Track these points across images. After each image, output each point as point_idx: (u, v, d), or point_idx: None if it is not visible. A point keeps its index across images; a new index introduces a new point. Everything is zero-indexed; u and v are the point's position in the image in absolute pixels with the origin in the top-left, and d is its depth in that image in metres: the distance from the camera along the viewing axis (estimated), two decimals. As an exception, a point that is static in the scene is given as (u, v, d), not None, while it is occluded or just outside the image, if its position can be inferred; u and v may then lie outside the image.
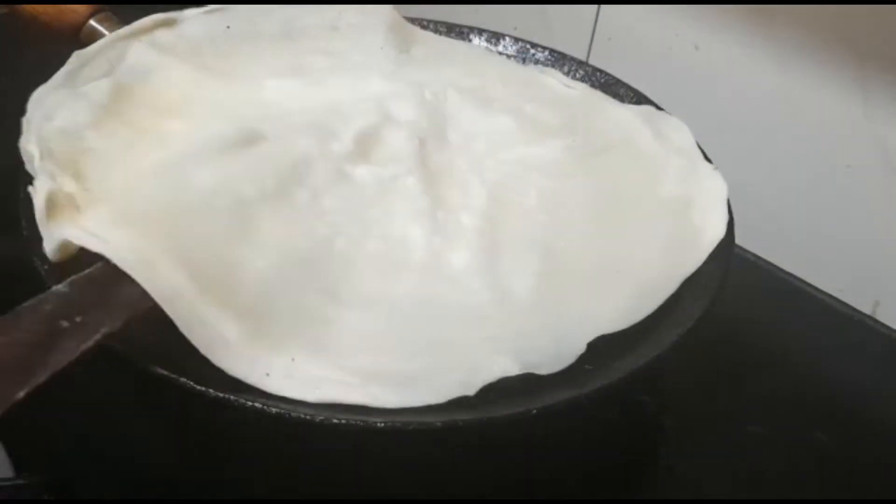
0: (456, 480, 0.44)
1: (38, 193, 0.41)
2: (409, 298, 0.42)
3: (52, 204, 0.40)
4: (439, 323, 0.41)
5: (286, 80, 0.54)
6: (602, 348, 0.40)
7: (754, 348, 0.56)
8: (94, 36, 0.54)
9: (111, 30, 0.54)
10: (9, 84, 0.49)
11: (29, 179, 0.42)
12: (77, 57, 0.51)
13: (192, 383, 0.36)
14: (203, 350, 0.37)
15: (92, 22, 0.55)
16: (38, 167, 0.43)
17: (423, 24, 0.64)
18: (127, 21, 0.55)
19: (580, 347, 0.40)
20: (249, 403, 0.35)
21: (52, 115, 0.46)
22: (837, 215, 0.63)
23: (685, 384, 0.52)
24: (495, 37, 0.64)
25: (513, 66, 0.61)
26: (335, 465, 0.43)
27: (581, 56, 0.71)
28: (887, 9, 0.56)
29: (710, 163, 0.52)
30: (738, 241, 0.48)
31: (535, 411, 0.36)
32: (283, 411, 0.35)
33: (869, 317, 0.60)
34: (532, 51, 0.63)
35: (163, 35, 0.55)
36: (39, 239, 0.40)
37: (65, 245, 0.39)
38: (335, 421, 0.35)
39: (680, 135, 0.54)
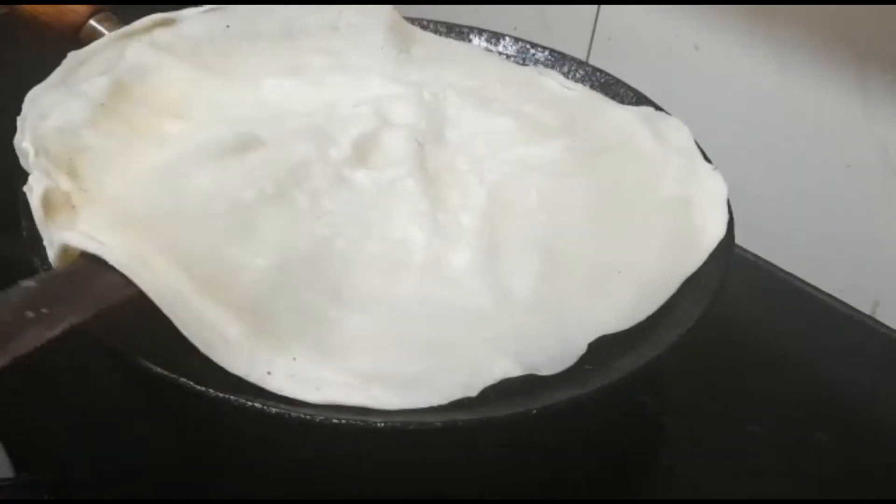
0: (456, 480, 0.44)
1: (34, 192, 0.41)
2: (410, 299, 0.42)
3: (48, 203, 0.40)
4: (440, 324, 0.41)
5: (285, 80, 0.54)
6: (602, 348, 0.40)
7: (754, 348, 0.56)
8: (94, 36, 0.54)
9: (111, 30, 0.54)
10: (9, 83, 0.49)
11: (26, 178, 0.42)
12: (73, 56, 0.51)
13: (191, 383, 0.36)
14: (202, 348, 0.37)
15: (92, 22, 0.55)
16: (33, 163, 0.43)
17: (423, 24, 0.64)
18: (127, 21, 0.55)
19: (581, 348, 0.40)
20: (249, 403, 0.35)
21: (47, 114, 0.46)
22: (837, 215, 0.63)
23: (685, 384, 0.52)
24: (495, 37, 0.64)
25: (512, 66, 0.61)
26: (335, 465, 0.43)
27: (581, 56, 0.71)
28: (887, 9, 0.56)
29: (709, 163, 0.52)
30: (738, 241, 0.48)
31: (535, 411, 0.36)
32: (282, 411, 0.35)
33: (869, 317, 0.60)
34: (532, 51, 0.63)
35: (162, 34, 0.55)
36: (39, 239, 0.40)
37: (65, 250, 0.39)
38: (335, 421, 0.35)
39: (679, 135, 0.54)
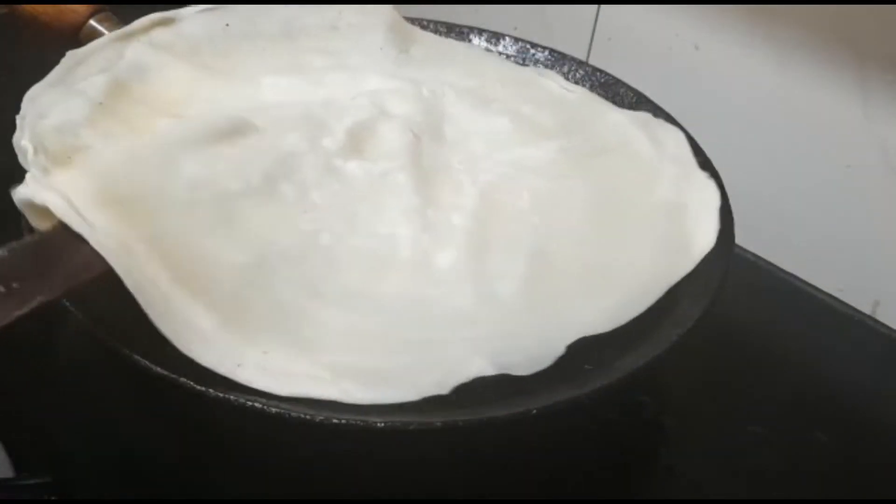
0: (456, 480, 0.44)
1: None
2: (392, 296, 0.42)
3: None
4: (420, 322, 0.41)
5: (283, 78, 0.54)
6: (602, 348, 0.40)
7: (754, 348, 0.56)
8: (94, 36, 0.54)
9: (111, 30, 0.54)
10: (9, 83, 0.49)
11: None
12: (71, 56, 0.51)
13: (192, 383, 0.36)
14: (171, 338, 0.37)
15: (92, 22, 0.55)
16: (32, 161, 0.43)
17: (423, 24, 0.64)
18: (127, 21, 0.55)
19: (559, 350, 0.40)
20: (249, 403, 0.35)
21: (46, 113, 0.46)
22: (837, 215, 0.63)
23: (685, 384, 0.52)
24: (495, 37, 0.64)
25: (512, 67, 0.61)
26: (335, 465, 0.43)
27: (581, 56, 0.70)
28: (887, 9, 0.56)
29: (704, 172, 0.51)
30: (738, 241, 0.48)
31: (535, 411, 0.36)
32: (283, 411, 0.35)
33: (869, 317, 0.60)
34: (532, 51, 0.63)
35: (161, 34, 0.55)
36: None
37: (46, 210, 0.38)
38: (335, 421, 0.35)
39: (676, 143, 0.54)
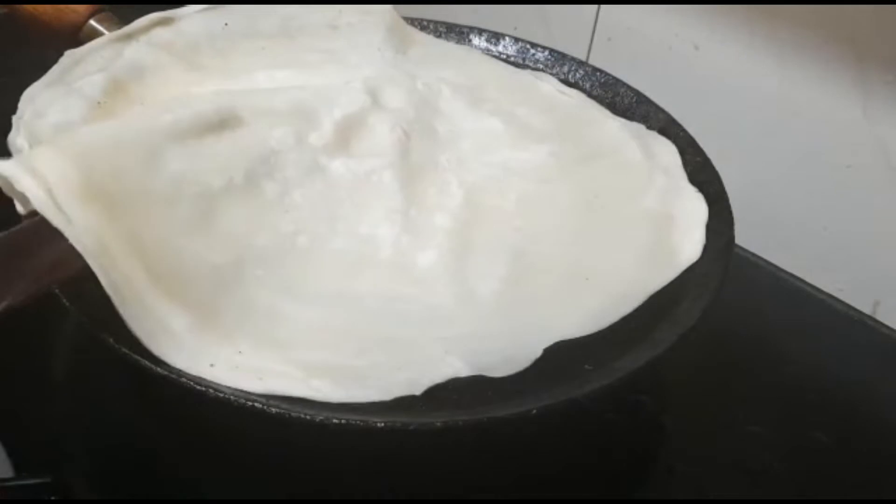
0: (456, 480, 0.44)
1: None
2: (368, 294, 0.42)
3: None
4: (396, 321, 0.41)
5: (279, 71, 0.54)
6: (602, 348, 0.40)
7: (754, 348, 0.56)
8: (94, 36, 0.54)
9: (111, 30, 0.54)
10: (9, 84, 0.49)
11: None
12: (69, 55, 0.51)
13: (192, 383, 0.36)
14: (144, 340, 0.36)
15: (92, 22, 0.55)
16: None
17: (423, 24, 0.64)
18: (127, 21, 0.55)
19: (536, 352, 0.40)
20: (249, 403, 0.35)
21: (44, 112, 0.46)
22: (837, 215, 0.63)
23: (685, 384, 0.52)
24: (495, 37, 0.64)
25: (510, 70, 0.61)
26: (335, 465, 0.43)
27: (581, 56, 0.70)
28: (887, 9, 0.56)
29: (693, 186, 0.51)
30: (738, 241, 0.48)
31: (535, 411, 0.36)
32: (283, 411, 0.35)
33: (869, 317, 0.60)
34: (532, 51, 0.63)
35: (160, 33, 0.55)
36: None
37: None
38: (335, 421, 0.35)
39: (668, 155, 0.54)
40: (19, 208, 0.38)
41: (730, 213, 0.48)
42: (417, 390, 0.37)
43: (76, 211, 0.37)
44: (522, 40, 0.63)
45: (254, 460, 0.43)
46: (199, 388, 0.36)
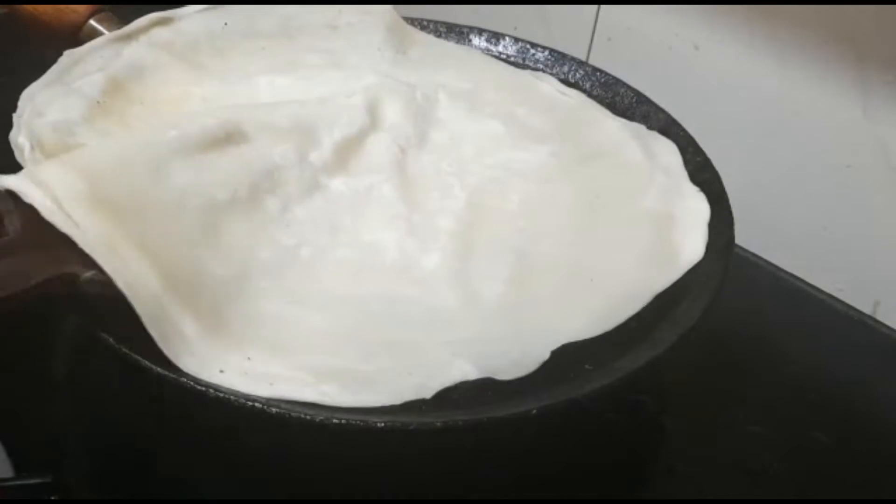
0: (456, 480, 0.44)
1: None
2: (375, 300, 0.42)
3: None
4: (403, 324, 0.41)
5: (280, 77, 0.54)
6: (602, 348, 0.40)
7: (754, 348, 0.56)
8: (94, 36, 0.54)
9: (111, 30, 0.54)
10: (8, 84, 0.49)
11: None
12: (69, 55, 0.51)
13: (192, 383, 0.36)
14: (158, 341, 0.36)
15: (92, 22, 0.55)
16: (28, 158, 0.43)
17: (423, 23, 0.64)
18: (127, 21, 0.55)
19: (543, 355, 0.40)
20: (250, 403, 0.35)
21: (43, 111, 0.46)
22: (837, 215, 0.63)
23: (685, 384, 0.52)
24: (495, 37, 0.64)
25: (509, 70, 0.61)
26: (335, 465, 0.43)
27: (581, 56, 0.70)
28: (887, 9, 0.56)
29: (694, 185, 0.51)
30: (738, 241, 0.48)
31: (535, 411, 0.36)
32: (283, 411, 0.35)
33: (869, 317, 0.60)
34: (532, 51, 0.63)
35: (160, 33, 0.55)
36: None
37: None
38: (335, 421, 0.35)
39: (669, 155, 0.54)
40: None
41: (730, 213, 0.48)
42: (427, 394, 0.37)
43: (84, 217, 0.37)
44: (522, 40, 0.63)
45: (254, 460, 0.43)
46: (198, 388, 0.36)
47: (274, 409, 0.35)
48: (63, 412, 0.46)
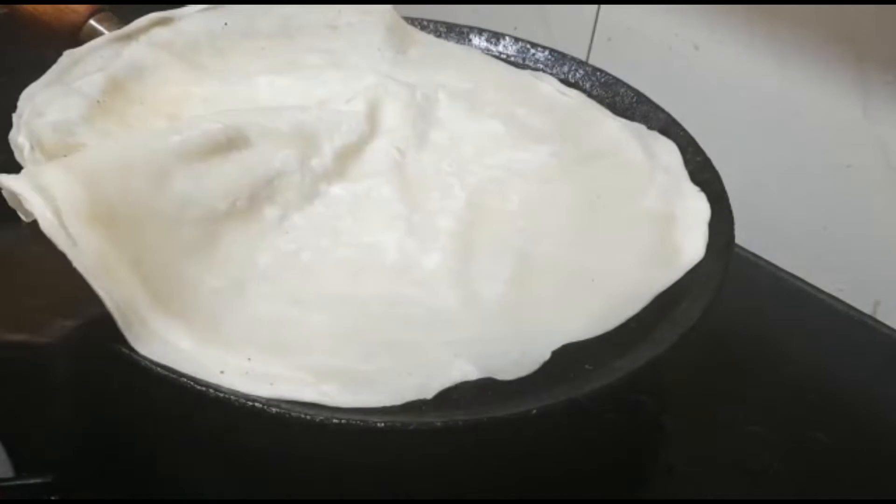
0: (456, 480, 0.43)
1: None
2: (376, 300, 0.42)
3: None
4: (403, 324, 0.41)
5: (280, 78, 0.54)
6: (602, 348, 0.40)
7: (754, 348, 0.56)
8: (94, 36, 0.54)
9: (111, 30, 0.55)
10: (8, 83, 0.49)
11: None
12: (68, 55, 0.51)
13: (192, 383, 0.36)
14: (153, 360, 0.36)
15: (92, 22, 0.55)
16: (28, 158, 0.43)
17: (423, 24, 0.64)
18: (127, 21, 0.55)
19: (544, 355, 0.40)
20: (249, 403, 0.35)
21: (43, 111, 0.46)
22: (837, 215, 0.63)
23: (685, 384, 0.52)
24: (495, 37, 0.64)
25: (509, 70, 0.61)
26: (335, 465, 0.42)
27: (581, 56, 0.71)
28: (887, 9, 0.56)
29: (695, 185, 0.51)
30: (738, 241, 0.48)
31: (535, 411, 0.36)
32: (283, 411, 0.35)
33: (869, 317, 0.60)
34: (532, 51, 0.63)
35: (160, 33, 0.55)
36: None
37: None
38: (335, 421, 0.35)
39: (669, 155, 0.54)
40: (21, 216, 0.38)
41: (730, 212, 0.48)
42: (428, 394, 0.37)
43: (81, 234, 0.37)
44: (522, 40, 0.63)
45: (254, 460, 0.43)
46: (198, 388, 0.36)
47: (274, 409, 0.35)
48: (63, 412, 0.46)
